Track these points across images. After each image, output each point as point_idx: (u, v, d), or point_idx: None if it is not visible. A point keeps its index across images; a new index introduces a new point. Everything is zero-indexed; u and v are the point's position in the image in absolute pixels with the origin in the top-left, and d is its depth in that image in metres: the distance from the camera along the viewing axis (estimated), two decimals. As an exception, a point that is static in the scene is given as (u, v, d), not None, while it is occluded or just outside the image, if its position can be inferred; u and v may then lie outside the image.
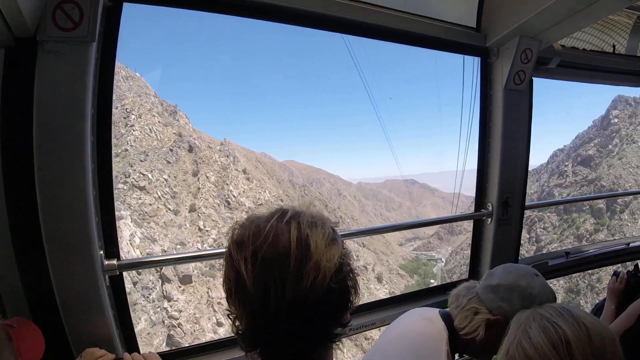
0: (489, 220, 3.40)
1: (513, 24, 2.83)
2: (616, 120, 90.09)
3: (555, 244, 71.90)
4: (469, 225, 3.78)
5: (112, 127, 2.14)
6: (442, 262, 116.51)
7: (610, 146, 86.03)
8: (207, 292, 58.84)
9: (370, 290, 71.88)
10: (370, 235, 3.59)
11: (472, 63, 3.44)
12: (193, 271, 58.96)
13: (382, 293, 72.59)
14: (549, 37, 2.99)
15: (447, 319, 1.97)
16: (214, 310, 56.48)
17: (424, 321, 2.00)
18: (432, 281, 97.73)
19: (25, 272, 1.79)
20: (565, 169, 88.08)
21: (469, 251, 3.64)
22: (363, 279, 73.21)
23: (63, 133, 1.78)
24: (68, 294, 1.85)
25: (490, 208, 3.37)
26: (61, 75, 1.75)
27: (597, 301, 3.13)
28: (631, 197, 73.80)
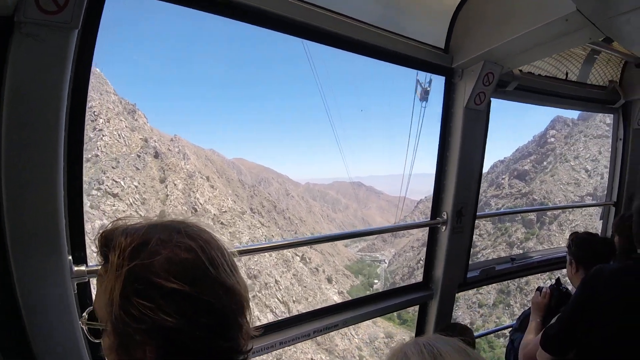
0: (444, 228, 3.56)
1: (480, 49, 2.98)
2: (552, 139, 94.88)
3: (489, 250, 74.83)
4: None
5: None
6: (386, 263, 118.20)
7: (545, 163, 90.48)
8: None
9: (322, 291, 72.32)
10: (329, 242, 3.65)
11: (424, 79, 3.64)
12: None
13: (332, 292, 73.18)
14: (512, 63, 3.20)
15: None
16: None
17: None
18: (375, 281, 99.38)
19: None
20: (502, 181, 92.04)
21: (412, 254, 3.79)
22: (315, 280, 74.47)
23: (36, 127, 1.64)
24: (33, 300, 1.72)
25: (445, 217, 3.53)
26: (38, 62, 1.59)
27: (526, 302, 3.27)
28: (559, 210, 78.40)
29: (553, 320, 2.43)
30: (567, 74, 4.14)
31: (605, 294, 1.96)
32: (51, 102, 1.65)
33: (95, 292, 1.02)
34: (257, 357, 2.97)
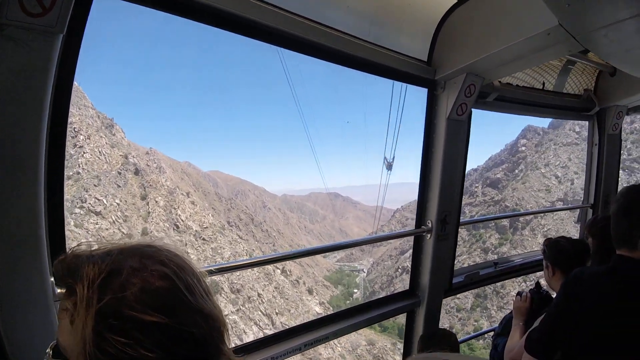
0: (429, 235, 3.59)
1: (462, 62, 3.05)
2: (524, 148, 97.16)
3: (465, 256, 75.98)
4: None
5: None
6: (365, 272, 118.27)
7: (516, 171, 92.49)
8: None
9: (303, 302, 72.26)
10: (310, 256, 3.64)
11: (400, 90, 3.73)
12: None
13: (313, 303, 73.04)
14: (493, 75, 3.29)
15: None
16: None
17: None
18: (355, 291, 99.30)
19: None
20: (476, 189, 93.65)
21: (390, 262, 3.82)
22: (297, 292, 74.87)
23: (15, 136, 1.53)
24: (14, 329, 1.61)
25: (430, 225, 3.57)
26: (19, 68, 1.47)
27: (502, 304, 3.25)
28: (531, 216, 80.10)
29: (536, 324, 2.42)
30: (544, 84, 4.27)
31: (583, 300, 1.96)
32: (32, 113, 1.55)
33: (59, 324, 0.91)
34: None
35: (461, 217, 3.79)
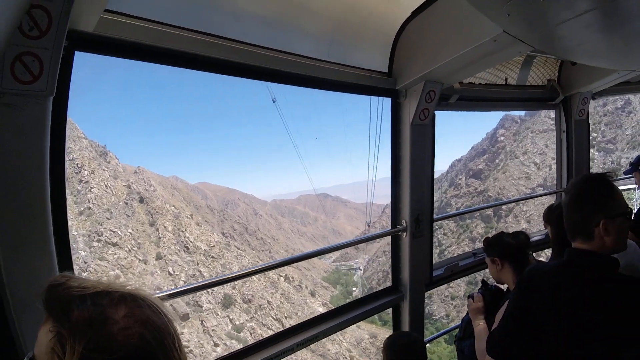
0: (404, 234, 3.69)
1: (420, 71, 3.15)
2: (502, 138, 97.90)
3: (454, 247, 76.47)
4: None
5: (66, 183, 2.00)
6: (361, 270, 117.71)
7: (497, 160, 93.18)
8: (202, 323, 61.36)
9: (308, 305, 73.17)
10: (300, 261, 3.68)
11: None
12: (188, 309, 61.68)
13: (316, 305, 74.14)
14: (451, 80, 3.40)
15: None
16: (210, 336, 58.38)
17: None
18: (354, 289, 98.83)
19: None
20: (460, 181, 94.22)
21: (384, 258, 3.88)
22: (301, 296, 76.74)
23: (21, 191, 1.65)
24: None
25: (404, 224, 3.66)
26: (18, 129, 1.59)
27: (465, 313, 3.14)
28: (513, 204, 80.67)
29: (495, 325, 2.37)
30: (506, 79, 4.35)
31: (541, 294, 1.88)
32: (34, 168, 1.67)
33: (38, 340, 0.90)
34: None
35: (447, 210, 3.84)
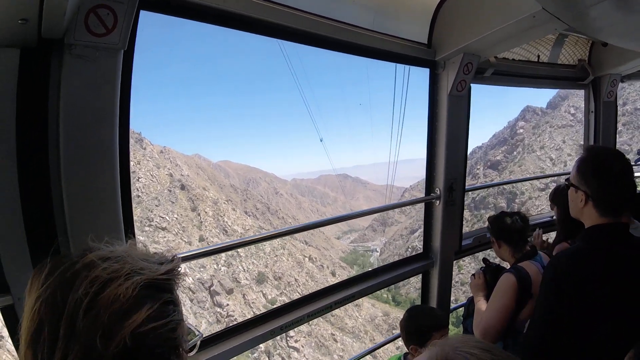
0: (438, 202, 3.65)
1: (459, 43, 3.10)
2: (521, 130, 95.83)
3: (469, 236, 76.20)
4: (400, 216, 4.03)
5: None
6: (378, 252, 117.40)
7: (514, 153, 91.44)
8: (243, 297, 68.54)
9: (329, 283, 78.71)
10: (327, 225, 3.65)
11: (403, 71, 3.79)
12: (233, 284, 69.13)
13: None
14: (488, 53, 3.33)
15: None
16: (250, 307, 65.87)
17: None
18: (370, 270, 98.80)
19: None
20: (478, 171, 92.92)
21: (401, 241, 3.85)
22: (323, 275, 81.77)
23: (91, 143, 1.63)
24: None
25: (438, 192, 3.63)
26: (89, 81, 1.57)
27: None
28: (526, 197, 79.16)
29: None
30: (538, 56, 4.23)
31: (568, 290, 1.71)
32: (104, 121, 1.65)
33: None
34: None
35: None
